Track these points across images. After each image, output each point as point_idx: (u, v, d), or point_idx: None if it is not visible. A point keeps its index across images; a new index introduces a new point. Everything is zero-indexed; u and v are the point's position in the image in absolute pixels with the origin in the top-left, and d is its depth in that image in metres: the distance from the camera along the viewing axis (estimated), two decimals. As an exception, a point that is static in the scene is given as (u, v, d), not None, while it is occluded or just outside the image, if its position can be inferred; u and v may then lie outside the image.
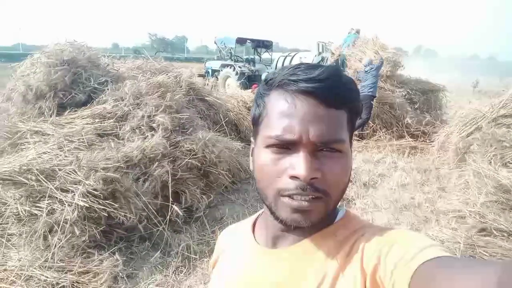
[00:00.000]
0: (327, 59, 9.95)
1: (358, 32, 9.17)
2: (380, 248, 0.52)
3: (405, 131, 6.69)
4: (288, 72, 0.57)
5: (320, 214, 0.56)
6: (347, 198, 4.31)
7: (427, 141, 6.45)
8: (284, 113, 0.56)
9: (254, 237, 0.70)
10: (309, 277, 0.57)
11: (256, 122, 0.62)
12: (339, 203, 0.62)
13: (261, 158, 0.58)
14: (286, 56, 13.26)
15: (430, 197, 4.23)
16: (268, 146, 0.57)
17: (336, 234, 0.60)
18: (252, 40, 14.72)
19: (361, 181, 4.86)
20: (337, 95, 0.55)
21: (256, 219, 0.75)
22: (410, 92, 7.22)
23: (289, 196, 0.55)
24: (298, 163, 0.54)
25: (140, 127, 3.68)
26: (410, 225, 3.62)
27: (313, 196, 0.54)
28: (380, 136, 6.81)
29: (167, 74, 4.68)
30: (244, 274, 0.66)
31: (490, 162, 3.78)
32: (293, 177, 0.54)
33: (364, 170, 5.30)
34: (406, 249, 0.49)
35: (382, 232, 0.56)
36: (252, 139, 0.66)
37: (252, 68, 13.17)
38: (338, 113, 0.56)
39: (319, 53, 11.23)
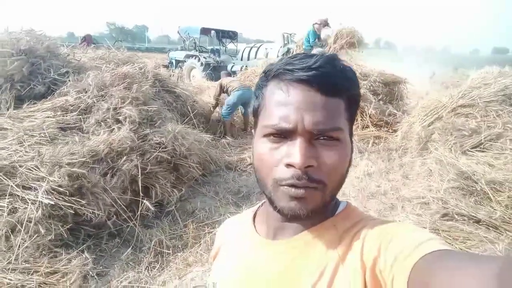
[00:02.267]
0: (293, 51, 10.00)
1: (323, 24, 8.90)
2: (380, 241, 0.53)
3: (369, 122, 6.89)
4: (284, 62, 0.58)
5: (316, 203, 0.56)
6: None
7: (390, 130, 6.68)
8: (280, 103, 0.56)
9: (255, 228, 0.70)
10: (310, 269, 0.57)
11: (256, 113, 0.63)
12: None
13: (259, 147, 0.59)
14: (252, 47, 13.22)
15: (395, 184, 4.39)
16: (265, 136, 0.58)
17: (336, 226, 0.61)
18: (217, 31, 14.53)
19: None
20: (332, 83, 0.55)
21: (256, 211, 0.75)
22: (373, 84, 7.42)
23: (287, 185, 0.55)
24: (293, 151, 0.54)
25: (105, 120, 3.54)
26: (377, 212, 3.74)
27: (309, 186, 0.54)
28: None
29: (132, 65, 4.52)
30: (246, 265, 0.66)
31: (451, 150, 3.97)
32: (289, 165, 0.54)
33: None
34: (406, 242, 0.50)
35: (382, 225, 0.57)
36: (253, 131, 0.66)
37: (218, 59, 13.01)
38: (334, 101, 0.56)
39: (285, 44, 11.28)
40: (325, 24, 8.83)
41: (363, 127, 6.92)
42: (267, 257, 0.63)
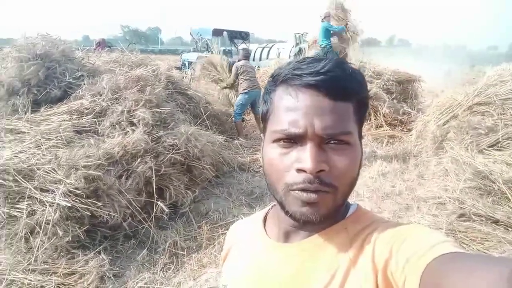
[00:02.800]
0: (304, 50, 9.97)
1: (327, 16, 8.75)
2: (392, 243, 0.52)
3: (383, 121, 6.82)
4: (293, 67, 0.58)
5: (328, 208, 0.56)
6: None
7: (405, 130, 6.60)
8: (289, 108, 0.56)
9: (266, 231, 0.70)
10: (320, 272, 0.57)
11: (264, 118, 0.63)
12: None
13: (269, 153, 0.59)
14: (264, 47, 13.25)
15: (410, 184, 4.34)
16: (275, 141, 0.58)
17: (347, 229, 0.60)
18: (229, 31, 14.59)
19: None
20: (341, 87, 0.55)
21: (266, 213, 0.75)
22: (386, 83, 7.35)
23: (298, 190, 0.55)
24: (304, 156, 0.54)
25: (120, 122, 3.59)
26: (392, 213, 3.70)
27: (321, 190, 0.54)
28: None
29: (145, 67, 4.57)
30: (256, 268, 0.66)
31: (467, 149, 3.90)
32: (300, 170, 0.54)
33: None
34: (418, 244, 0.49)
35: (394, 227, 0.57)
36: (262, 135, 0.66)
37: (230, 59, 13.04)
38: (343, 105, 0.56)
39: (296, 44, 11.26)
40: (329, 16, 8.70)
41: (377, 127, 6.86)
42: (278, 260, 0.63)
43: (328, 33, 8.30)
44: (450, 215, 3.25)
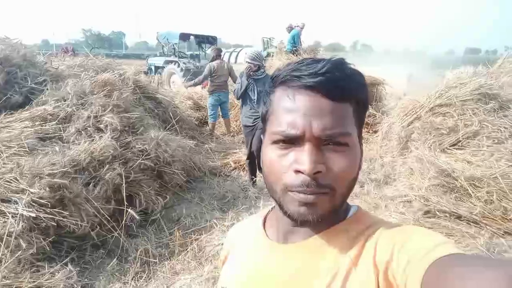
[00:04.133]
0: (272, 55, 10.07)
1: (302, 28, 9.27)
2: (393, 245, 0.52)
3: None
4: (291, 68, 0.58)
5: (325, 209, 0.56)
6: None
7: (370, 131, 6.79)
8: (287, 109, 0.56)
9: (265, 232, 0.70)
10: (321, 273, 0.57)
11: (264, 119, 0.63)
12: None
13: (268, 154, 0.59)
14: (232, 51, 13.23)
15: (377, 184, 4.46)
16: (274, 142, 0.58)
17: (348, 230, 0.60)
18: (196, 36, 14.48)
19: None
20: (340, 88, 0.55)
21: (266, 215, 0.75)
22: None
23: (296, 191, 0.55)
24: (302, 158, 0.54)
25: (86, 128, 3.48)
26: (362, 212, 3.79)
27: (319, 191, 0.54)
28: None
29: (112, 72, 4.45)
30: (256, 269, 0.66)
31: (430, 149, 4.07)
32: (298, 172, 0.54)
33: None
34: (419, 246, 0.49)
35: (395, 228, 0.57)
36: (261, 137, 0.66)
37: (198, 64, 12.95)
38: (342, 106, 0.56)
39: (265, 49, 11.34)
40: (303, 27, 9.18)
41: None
42: (278, 261, 0.63)
43: (297, 40, 8.67)
44: (416, 212, 3.37)
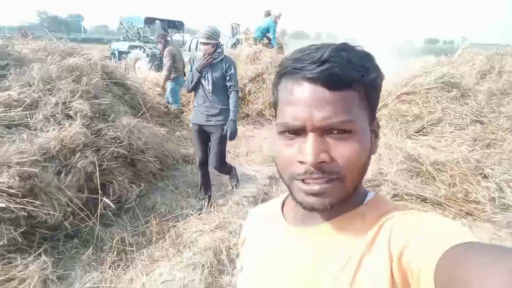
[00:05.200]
0: (241, 41, 9.99)
1: (268, 14, 9.15)
2: (408, 231, 0.52)
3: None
4: (294, 58, 0.58)
5: (335, 196, 0.56)
6: (275, 177, 4.45)
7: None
8: (290, 101, 0.57)
9: (284, 216, 0.72)
10: (336, 257, 0.58)
11: (274, 110, 0.65)
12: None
13: (277, 145, 0.61)
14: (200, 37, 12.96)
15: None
16: (280, 133, 0.59)
17: (364, 215, 0.61)
18: (162, 20, 14.05)
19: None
20: (340, 76, 0.54)
21: (285, 199, 0.76)
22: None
23: (301, 180, 0.56)
24: (304, 149, 0.55)
25: (54, 115, 3.34)
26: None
27: (326, 179, 0.55)
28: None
29: (78, 57, 4.26)
30: (274, 252, 0.67)
31: (397, 135, 4.25)
32: (301, 162, 0.56)
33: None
34: (434, 233, 0.49)
35: (411, 215, 0.57)
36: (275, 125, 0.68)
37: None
38: (345, 94, 0.55)
39: (233, 35, 11.23)
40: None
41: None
42: (295, 244, 0.65)
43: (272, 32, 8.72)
44: (385, 196, 3.53)
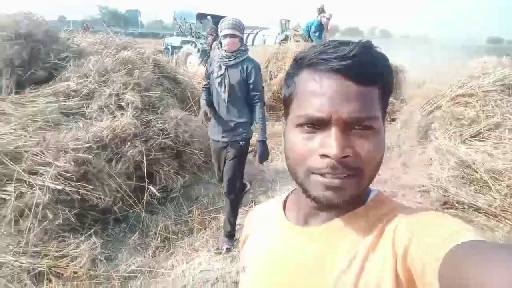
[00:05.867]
0: (290, 38, 9.93)
1: (322, 10, 9.00)
2: (413, 230, 0.52)
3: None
4: (318, 51, 0.57)
5: (353, 191, 0.56)
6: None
7: (389, 119, 6.73)
8: (314, 93, 0.56)
9: (285, 215, 0.71)
10: (339, 256, 0.57)
11: (287, 102, 0.63)
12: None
13: (292, 137, 0.59)
14: (249, 33, 13.06)
15: (394, 173, 4.44)
16: (298, 126, 0.58)
17: (368, 214, 0.60)
18: (213, 16, 14.30)
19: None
20: (367, 72, 0.54)
21: (286, 198, 0.75)
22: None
23: (320, 174, 0.55)
24: (328, 142, 0.54)
25: (108, 105, 3.52)
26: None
27: (345, 174, 0.54)
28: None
29: (132, 50, 4.46)
30: (276, 251, 0.66)
31: (450, 139, 4.03)
32: (324, 156, 0.54)
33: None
34: (439, 231, 0.49)
35: (415, 213, 0.56)
36: (283, 119, 0.66)
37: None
38: (369, 90, 0.55)
39: (282, 31, 11.19)
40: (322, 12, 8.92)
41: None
42: (298, 243, 0.64)
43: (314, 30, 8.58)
44: (434, 202, 3.37)
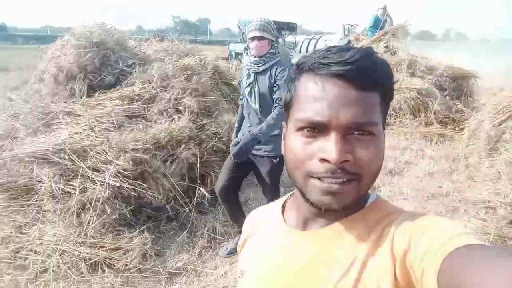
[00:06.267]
0: (353, 43, 9.72)
1: (384, 9, 8.75)
2: (411, 234, 0.52)
3: (433, 118, 6.51)
4: (319, 55, 0.57)
5: (351, 196, 0.56)
6: (372, 186, 4.26)
7: (456, 128, 6.27)
8: (314, 97, 0.56)
9: (284, 219, 0.71)
10: (338, 261, 0.57)
11: (288, 106, 0.63)
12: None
13: (292, 141, 0.59)
14: (311, 39, 13.01)
15: (458, 186, 4.13)
16: (299, 130, 0.58)
17: (366, 219, 0.60)
18: (276, 22, 14.46)
19: (387, 168, 4.78)
20: (368, 77, 0.55)
21: (285, 202, 0.76)
22: (439, 78, 7.00)
23: (318, 178, 0.55)
24: (328, 146, 0.54)
25: (167, 109, 3.72)
26: (437, 214, 3.55)
27: (345, 179, 0.54)
28: (406, 124, 6.66)
29: (193, 57, 4.68)
30: (275, 255, 0.67)
31: (524, 152, 3.64)
32: (323, 160, 0.54)
33: (390, 157, 5.20)
34: (437, 235, 0.49)
35: (413, 217, 0.56)
36: (284, 123, 0.66)
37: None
38: (369, 95, 0.56)
39: (345, 36, 10.97)
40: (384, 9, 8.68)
41: (427, 124, 6.57)
42: (297, 247, 0.64)
43: (376, 24, 8.25)
44: (500, 220, 3.06)
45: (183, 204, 3.18)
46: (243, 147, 2.28)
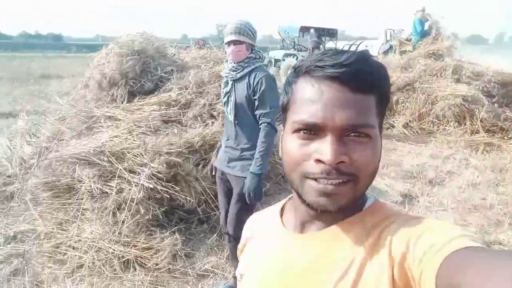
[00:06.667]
0: (395, 48, 9.46)
1: (423, 11, 8.47)
2: (410, 236, 0.52)
3: (479, 126, 6.18)
4: (315, 58, 0.58)
5: (347, 198, 0.56)
6: (410, 195, 4.11)
7: (505, 138, 5.90)
8: (310, 99, 0.57)
9: (282, 222, 0.72)
10: (336, 263, 0.57)
11: (285, 109, 0.64)
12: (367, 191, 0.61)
13: (288, 143, 0.60)
14: (351, 44, 12.83)
15: (504, 198, 3.88)
16: (295, 131, 0.59)
17: (364, 221, 0.60)
18: (316, 29, 14.41)
19: (427, 177, 4.59)
20: (363, 79, 0.55)
21: (284, 205, 0.76)
22: (487, 84, 6.64)
23: (314, 179, 0.56)
24: (324, 148, 0.54)
25: (201, 114, 3.82)
26: (479, 227, 3.36)
27: (340, 180, 0.55)
28: (450, 132, 6.37)
29: (229, 64, 4.78)
30: (273, 258, 0.67)
31: None
32: (319, 161, 0.55)
33: (431, 166, 4.99)
34: (436, 238, 0.48)
35: (412, 220, 0.56)
36: (281, 126, 0.67)
37: None
38: (365, 98, 0.56)
39: (387, 41, 10.71)
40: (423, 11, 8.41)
41: (472, 132, 6.25)
42: (295, 250, 0.64)
43: (419, 28, 8.02)
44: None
45: (214, 208, 3.24)
46: (251, 193, 2.13)
